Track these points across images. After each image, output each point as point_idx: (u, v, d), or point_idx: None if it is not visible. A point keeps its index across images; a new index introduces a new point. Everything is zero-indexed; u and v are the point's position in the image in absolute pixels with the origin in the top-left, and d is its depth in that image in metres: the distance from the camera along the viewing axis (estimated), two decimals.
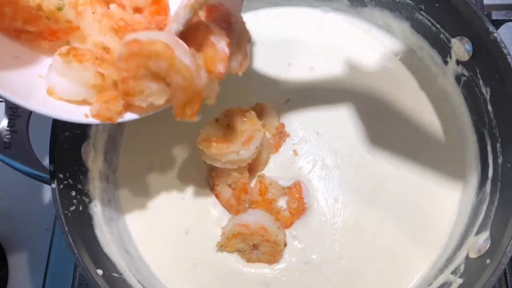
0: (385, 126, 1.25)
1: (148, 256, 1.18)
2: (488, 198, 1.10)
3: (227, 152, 1.09)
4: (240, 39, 0.96)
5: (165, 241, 1.19)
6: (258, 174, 1.21)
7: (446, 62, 1.23)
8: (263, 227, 1.10)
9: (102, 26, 0.93)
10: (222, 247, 1.14)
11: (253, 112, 1.16)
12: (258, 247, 1.13)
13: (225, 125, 1.14)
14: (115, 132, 1.26)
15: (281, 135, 1.25)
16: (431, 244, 1.15)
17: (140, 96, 0.86)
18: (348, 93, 1.29)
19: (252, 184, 1.20)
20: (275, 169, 1.22)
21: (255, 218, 1.12)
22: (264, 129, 1.22)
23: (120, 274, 1.08)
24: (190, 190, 1.22)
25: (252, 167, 1.19)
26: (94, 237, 1.09)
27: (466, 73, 1.18)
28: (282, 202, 1.18)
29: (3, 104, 1.11)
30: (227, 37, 0.90)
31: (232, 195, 1.17)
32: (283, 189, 1.19)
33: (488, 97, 1.13)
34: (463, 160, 1.21)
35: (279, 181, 1.19)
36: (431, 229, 1.16)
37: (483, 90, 1.13)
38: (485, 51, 1.09)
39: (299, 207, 1.17)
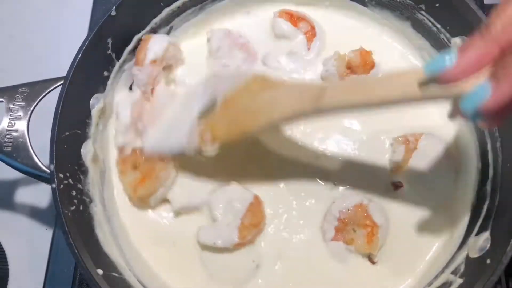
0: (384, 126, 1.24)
1: (147, 255, 1.18)
2: (488, 198, 1.10)
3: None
4: None
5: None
6: None
7: None
8: None
9: None
10: None
11: None
12: None
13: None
14: None
15: None
16: (431, 244, 1.15)
17: None
18: None
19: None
20: None
21: None
22: None
23: (120, 273, 1.08)
24: None
25: None
26: (94, 237, 1.09)
27: None
28: None
29: (3, 104, 1.11)
30: None
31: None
32: None
33: None
34: (463, 160, 1.21)
35: None
36: (431, 229, 1.16)
37: None
38: None
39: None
